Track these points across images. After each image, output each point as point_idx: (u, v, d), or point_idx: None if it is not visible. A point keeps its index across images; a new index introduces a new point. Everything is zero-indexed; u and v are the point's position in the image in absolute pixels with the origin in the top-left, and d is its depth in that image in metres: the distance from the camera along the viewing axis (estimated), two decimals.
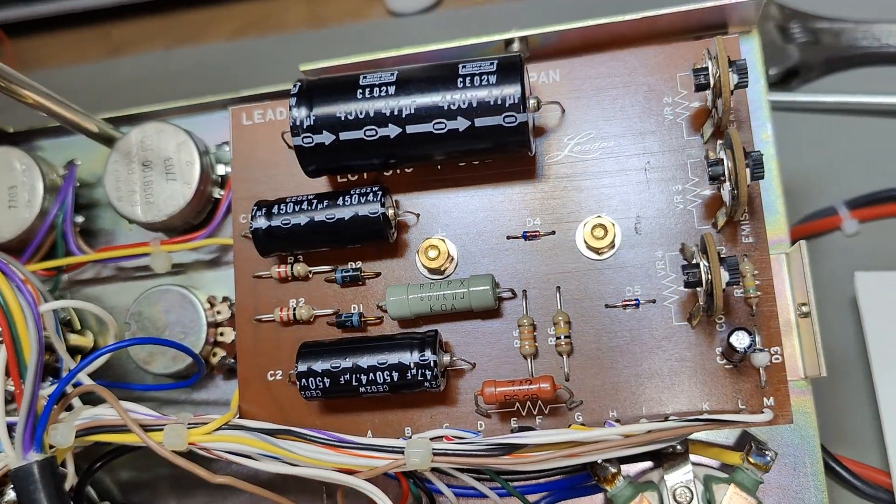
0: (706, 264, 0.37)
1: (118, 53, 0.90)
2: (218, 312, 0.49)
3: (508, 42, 0.47)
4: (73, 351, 0.50)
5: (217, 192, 0.50)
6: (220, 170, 0.50)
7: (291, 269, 0.44)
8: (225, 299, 0.49)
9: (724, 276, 0.37)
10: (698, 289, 0.37)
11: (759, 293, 0.41)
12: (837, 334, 0.56)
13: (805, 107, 0.68)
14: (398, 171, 0.44)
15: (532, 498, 0.44)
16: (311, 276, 0.44)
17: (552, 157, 0.43)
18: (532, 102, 0.41)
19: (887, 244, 0.60)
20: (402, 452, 0.39)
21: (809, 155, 0.65)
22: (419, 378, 0.40)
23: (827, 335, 0.57)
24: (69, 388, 0.43)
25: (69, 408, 0.43)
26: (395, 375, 0.40)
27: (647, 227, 0.42)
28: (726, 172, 0.37)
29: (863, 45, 0.70)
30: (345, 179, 0.45)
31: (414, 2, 0.80)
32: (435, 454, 0.38)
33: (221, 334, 0.49)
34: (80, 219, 0.51)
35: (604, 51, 0.47)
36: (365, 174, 0.45)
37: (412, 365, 0.40)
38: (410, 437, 0.42)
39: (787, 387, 0.40)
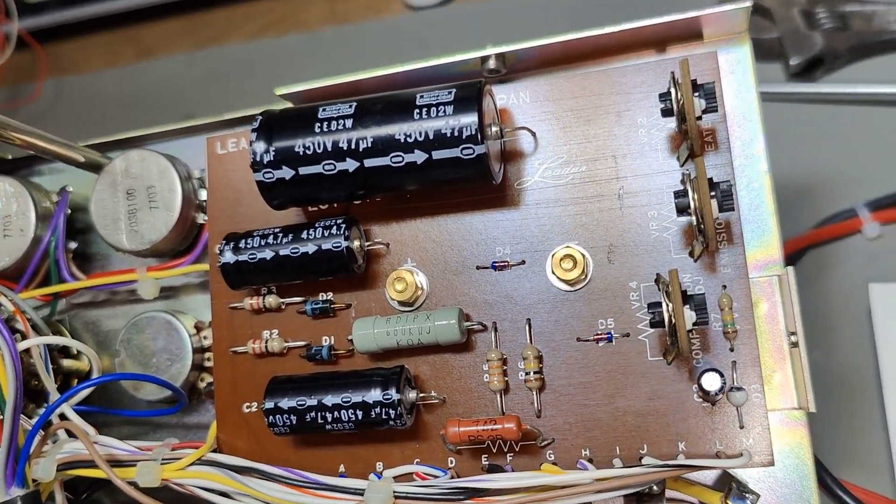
0: (669, 304, 0.35)
1: (147, 56, 0.91)
2: (205, 337, 0.49)
3: (485, 59, 0.45)
4: (71, 375, 0.51)
5: (202, 218, 0.49)
6: (204, 194, 0.50)
7: (264, 301, 0.44)
8: (211, 323, 0.49)
9: (691, 315, 0.35)
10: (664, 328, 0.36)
11: (737, 327, 0.39)
12: (853, 347, 0.54)
13: (829, 98, 0.65)
14: (367, 200, 0.43)
15: None
16: (283, 307, 0.44)
17: (522, 183, 0.42)
18: (494, 130, 0.39)
19: None
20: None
21: (832, 150, 0.62)
22: (383, 417, 0.40)
23: (842, 348, 0.55)
24: (55, 419, 0.44)
25: (56, 439, 0.44)
26: (360, 414, 0.40)
27: (620, 256, 0.40)
28: (691, 205, 0.35)
29: (893, 28, 0.66)
30: (315, 209, 0.44)
31: None
32: (396, 497, 0.38)
33: (208, 359, 0.49)
34: (73, 244, 0.52)
35: (587, 62, 0.45)
36: (335, 204, 0.44)
37: (376, 403, 0.39)
38: (382, 472, 0.41)
39: (767, 425, 0.38)
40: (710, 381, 0.36)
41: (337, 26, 0.86)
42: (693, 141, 0.37)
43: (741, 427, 0.38)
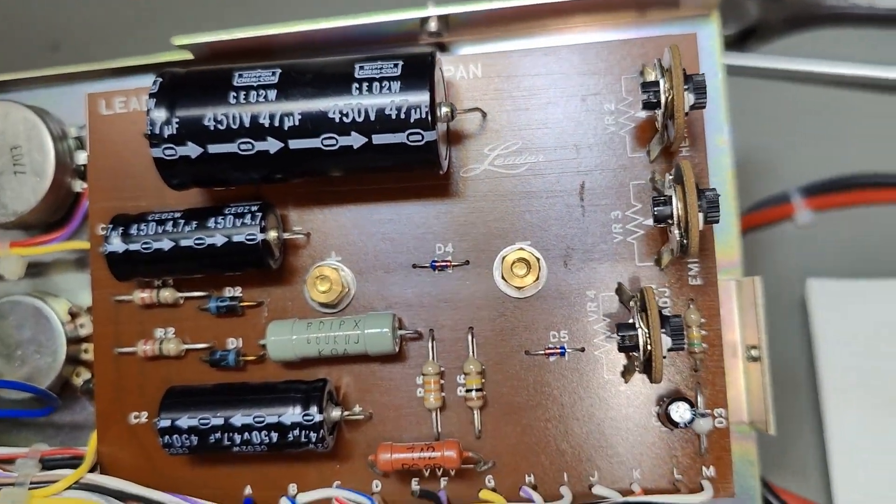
0: (645, 330, 0.30)
1: None
2: (81, 326, 0.42)
3: (424, 20, 0.39)
4: None
5: (79, 185, 0.42)
6: (83, 157, 0.42)
7: (158, 295, 0.37)
8: (90, 310, 0.42)
9: (666, 341, 0.31)
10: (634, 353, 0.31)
11: (703, 346, 0.35)
12: (785, 342, 0.51)
13: (764, 73, 0.61)
14: (285, 182, 0.37)
15: None
16: (181, 302, 0.37)
17: (469, 171, 0.36)
18: (445, 111, 0.33)
19: (844, 239, 0.54)
20: None
21: (766, 128, 0.59)
22: (302, 440, 0.34)
23: (780, 344, 0.52)
24: None
25: None
26: (275, 436, 0.34)
27: (578, 261, 0.36)
28: (675, 216, 0.31)
29: (829, 3, 0.64)
30: (223, 188, 0.37)
31: None
32: None
33: (86, 351, 0.42)
34: None
35: (545, 28, 0.39)
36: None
37: (294, 425, 0.34)
38: (296, 497, 0.36)
39: (730, 455, 0.35)
40: (681, 413, 0.32)
41: None
42: (677, 140, 0.32)
43: (702, 454, 0.35)
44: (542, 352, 0.36)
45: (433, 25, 0.39)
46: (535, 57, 0.36)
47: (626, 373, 0.35)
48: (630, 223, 0.35)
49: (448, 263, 0.36)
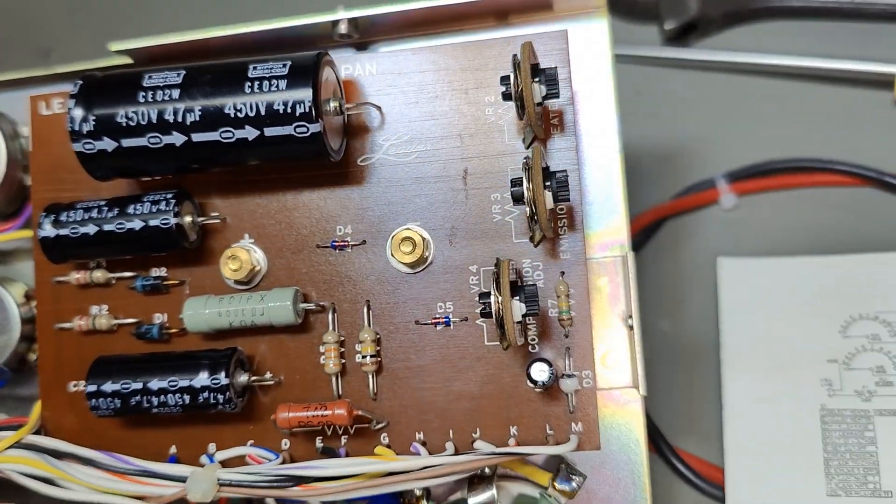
0: (498, 297, 0.34)
1: None
2: (35, 307, 0.46)
3: (335, 23, 0.43)
4: None
5: (29, 180, 0.46)
6: None
7: (91, 276, 0.41)
8: None
9: (521, 307, 0.35)
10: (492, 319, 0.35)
11: (572, 314, 0.38)
12: (700, 318, 0.55)
13: (700, 65, 0.65)
14: (204, 173, 0.41)
15: None
16: (113, 282, 0.42)
17: (365, 160, 0.40)
18: (333, 106, 0.37)
19: (766, 221, 0.57)
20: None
21: (699, 118, 0.62)
22: (211, 401, 0.38)
23: (690, 319, 0.56)
24: None
25: None
26: (187, 398, 0.38)
27: (461, 239, 0.40)
28: (525, 195, 0.35)
29: None
30: (148, 178, 0.42)
31: None
32: (221, 485, 0.37)
33: None
34: None
35: (447, 30, 0.43)
36: (170, 175, 0.41)
37: (203, 388, 0.38)
38: (214, 455, 0.40)
39: (596, 412, 0.39)
40: (538, 372, 0.36)
41: None
42: (534, 127, 0.36)
43: (571, 412, 0.38)
44: (430, 321, 0.40)
45: (343, 28, 0.43)
46: (423, 55, 0.40)
47: (503, 339, 0.38)
48: (507, 204, 0.39)
49: (347, 243, 0.40)
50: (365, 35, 0.44)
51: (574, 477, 0.39)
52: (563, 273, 0.39)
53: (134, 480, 0.37)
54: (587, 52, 0.43)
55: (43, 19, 0.76)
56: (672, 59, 0.65)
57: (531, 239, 0.39)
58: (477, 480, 0.40)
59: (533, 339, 0.39)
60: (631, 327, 0.41)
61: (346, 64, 0.41)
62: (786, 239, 0.56)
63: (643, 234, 0.58)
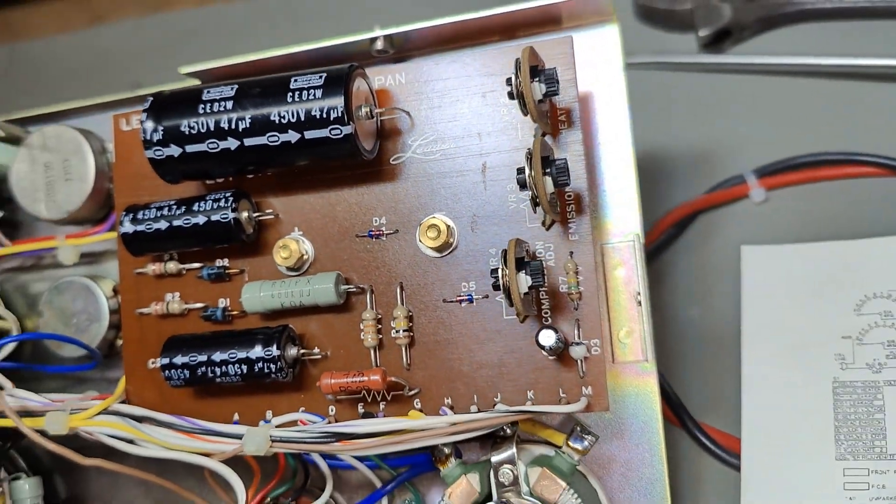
0: (505, 270, 0.39)
1: (98, 22, 0.93)
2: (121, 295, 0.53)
3: (373, 40, 0.49)
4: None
5: None
6: None
7: (165, 267, 0.48)
8: None
9: (527, 279, 0.39)
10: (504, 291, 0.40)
11: (581, 289, 0.43)
12: (728, 305, 0.58)
13: (732, 68, 0.68)
14: (259, 175, 0.47)
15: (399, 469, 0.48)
16: (184, 272, 0.48)
17: (397, 159, 0.46)
18: (364, 111, 0.43)
19: (794, 213, 0.60)
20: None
21: (732, 119, 0.65)
22: (266, 370, 0.44)
23: (718, 306, 0.59)
24: None
25: None
26: (245, 368, 0.44)
27: (482, 225, 0.44)
28: (528, 182, 0.39)
29: (801, 0, 0.69)
30: (212, 182, 0.48)
31: None
32: (273, 441, 0.42)
33: None
34: None
35: (474, 43, 0.49)
36: (230, 178, 0.48)
37: (258, 359, 0.44)
38: (270, 419, 0.46)
39: (604, 376, 0.43)
40: (545, 338, 0.41)
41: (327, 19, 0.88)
42: (539, 122, 0.41)
43: (582, 377, 0.43)
44: (455, 299, 0.44)
45: (379, 44, 0.49)
46: (445, 64, 0.45)
47: (519, 313, 0.43)
48: (522, 193, 0.44)
49: (382, 233, 0.46)
50: (400, 50, 0.50)
51: (586, 437, 0.43)
52: (571, 253, 0.43)
53: (200, 438, 0.43)
54: (600, 57, 0.47)
55: (135, 58, 0.85)
56: (704, 63, 0.69)
57: (543, 223, 0.44)
58: (500, 441, 0.44)
59: (546, 313, 0.43)
60: (639, 303, 0.45)
61: (380, 75, 0.46)
62: (813, 230, 0.59)
63: (677, 228, 0.62)
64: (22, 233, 0.57)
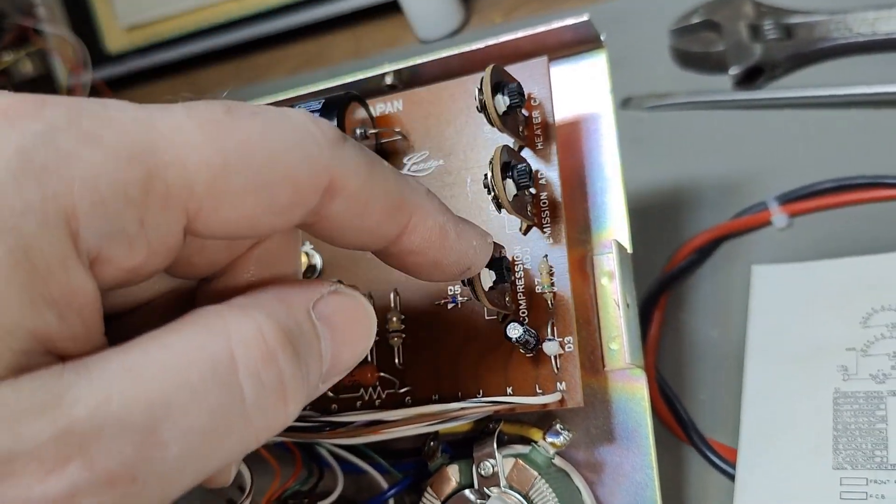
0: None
1: (202, 95, 1.04)
2: None
3: (384, 75, 0.54)
4: None
5: None
6: None
7: None
8: None
9: (490, 275, 0.43)
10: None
11: (554, 289, 0.46)
12: (745, 326, 0.58)
13: (764, 104, 0.70)
14: None
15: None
16: None
17: None
18: (359, 133, 0.48)
19: (817, 238, 0.61)
20: None
21: (760, 150, 0.67)
22: None
23: (739, 328, 0.59)
24: None
25: None
26: None
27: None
28: (490, 185, 0.43)
29: (834, 36, 0.70)
30: None
31: (439, 29, 0.88)
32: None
33: None
34: None
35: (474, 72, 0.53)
36: None
37: None
38: None
39: (578, 372, 0.45)
40: (511, 329, 0.43)
41: (358, 59, 0.97)
42: (506, 133, 0.45)
43: (556, 373, 0.45)
44: (443, 302, 0.48)
45: (389, 80, 0.54)
46: (433, 90, 0.50)
47: (499, 314, 0.46)
48: None
49: None
50: (410, 84, 0.55)
51: (562, 431, 0.45)
52: (546, 255, 0.46)
53: None
54: (590, 83, 0.51)
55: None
56: (733, 101, 0.71)
57: (520, 229, 0.47)
58: (484, 435, 0.47)
59: (523, 313, 0.46)
60: (618, 306, 0.47)
61: (381, 104, 0.52)
62: (835, 255, 0.59)
63: (699, 254, 0.63)
64: None
